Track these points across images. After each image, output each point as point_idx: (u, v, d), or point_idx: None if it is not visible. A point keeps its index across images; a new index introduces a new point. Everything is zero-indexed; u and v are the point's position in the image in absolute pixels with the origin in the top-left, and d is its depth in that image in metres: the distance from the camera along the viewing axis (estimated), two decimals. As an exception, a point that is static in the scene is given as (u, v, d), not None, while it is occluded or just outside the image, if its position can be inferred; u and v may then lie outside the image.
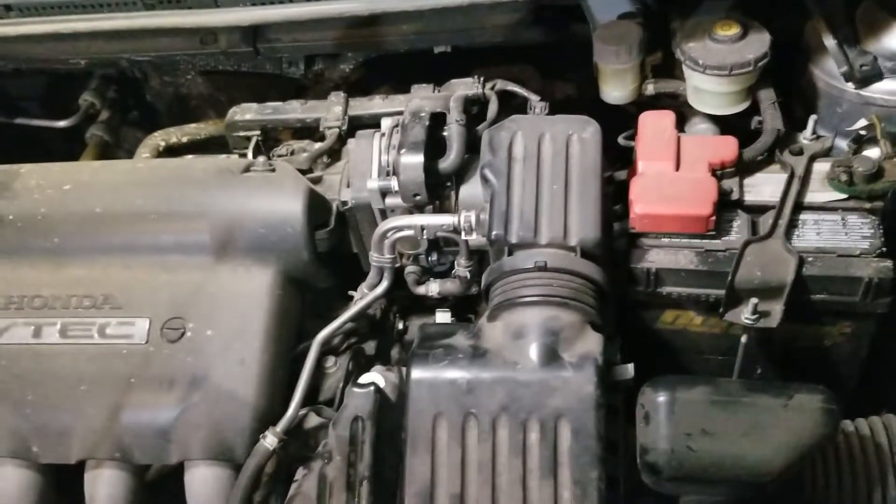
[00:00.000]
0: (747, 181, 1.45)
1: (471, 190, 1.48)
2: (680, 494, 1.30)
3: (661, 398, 1.21)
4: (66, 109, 2.02)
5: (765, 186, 1.45)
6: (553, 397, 1.22)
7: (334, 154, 1.61)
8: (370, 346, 1.59)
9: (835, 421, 1.21)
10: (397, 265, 1.52)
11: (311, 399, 1.45)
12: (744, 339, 1.40)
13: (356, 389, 1.33)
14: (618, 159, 1.56)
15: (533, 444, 1.21)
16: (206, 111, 1.98)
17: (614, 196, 1.51)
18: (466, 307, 1.60)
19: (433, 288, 1.54)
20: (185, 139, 1.81)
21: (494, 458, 1.21)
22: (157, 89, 2.01)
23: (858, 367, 1.50)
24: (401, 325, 1.64)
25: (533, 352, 1.25)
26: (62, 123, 2.01)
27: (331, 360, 1.52)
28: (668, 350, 1.52)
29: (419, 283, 1.55)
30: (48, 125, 2.03)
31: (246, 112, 1.67)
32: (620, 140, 1.56)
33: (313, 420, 1.43)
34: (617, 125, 1.56)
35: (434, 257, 1.54)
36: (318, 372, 1.48)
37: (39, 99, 2.09)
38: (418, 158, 1.42)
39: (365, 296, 1.49)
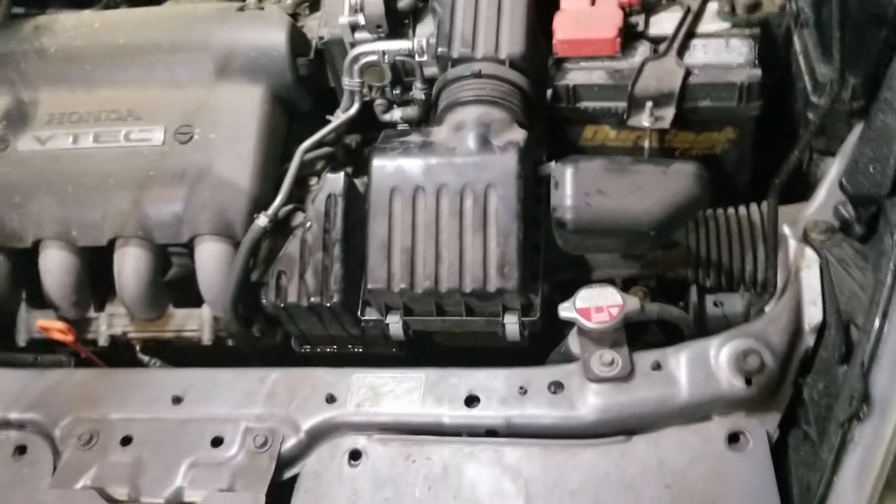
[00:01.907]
0: (652, 18, 1.75)
1: (424, 29, 1.78)
2: (583, 252, 1.64)
3: (567, 168, 1.52)
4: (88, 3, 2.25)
5: (666, 22, 1.74)
6: (484, 173, 1.54)
7: (314, 5, 1.92)
8: (347, 171, 1.90)
9: (705, 184, 1.50)
10: (366, 98, 1.84)
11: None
12: (646, 143, 1.72)
13: (330, 174, 1.66)
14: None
15: (468, 208, 1.54)
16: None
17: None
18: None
19: (396, 114, 1.84)
20: (191, 9, 2.12)
21: (438, 220, 1.54)
22: None
23: (746, 173, 1.81)
24: None
25: (469, 140, 1.57)
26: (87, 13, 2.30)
27: (313, 180, 1.80)
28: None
29: (385, 112, 1.86)
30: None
31: (239, -23, 1.98)
32: None
33: (298, 217, 1.72)
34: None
35: (397, 91, 1.85)
36: (303, 188, 1.77)
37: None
38: (379, -7, 1.73)
39: (340, 117, 1.82)
